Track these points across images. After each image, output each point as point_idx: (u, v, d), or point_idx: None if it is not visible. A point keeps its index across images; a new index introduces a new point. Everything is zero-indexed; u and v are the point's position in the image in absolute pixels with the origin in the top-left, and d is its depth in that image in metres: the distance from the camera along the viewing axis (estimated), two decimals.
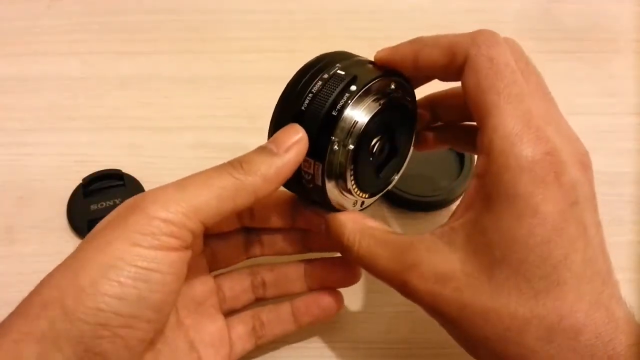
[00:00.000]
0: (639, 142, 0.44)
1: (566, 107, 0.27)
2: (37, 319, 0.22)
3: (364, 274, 0.32)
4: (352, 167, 0.27)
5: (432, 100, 0.32)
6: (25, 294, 0.23)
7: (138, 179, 0.41)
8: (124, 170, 0.41)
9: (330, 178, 0.27)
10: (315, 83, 0.27)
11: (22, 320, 0.22)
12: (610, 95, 0.47)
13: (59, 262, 0.24)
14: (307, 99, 0.27)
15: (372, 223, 0.29)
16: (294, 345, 0.34)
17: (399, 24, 0.52)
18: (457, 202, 0.29)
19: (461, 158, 0.41)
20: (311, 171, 0.27)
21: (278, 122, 0.27)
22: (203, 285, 0.31)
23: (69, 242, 0.38)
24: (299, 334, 0.33)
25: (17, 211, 0.40)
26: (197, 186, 0.25)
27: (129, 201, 0.25)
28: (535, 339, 0.22)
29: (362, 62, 0.29)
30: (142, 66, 0.49)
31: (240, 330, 0.31)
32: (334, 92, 0.26)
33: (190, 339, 0.29)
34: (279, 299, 0.32)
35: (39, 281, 0.24)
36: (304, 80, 0.27)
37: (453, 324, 0.25)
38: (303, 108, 0.27)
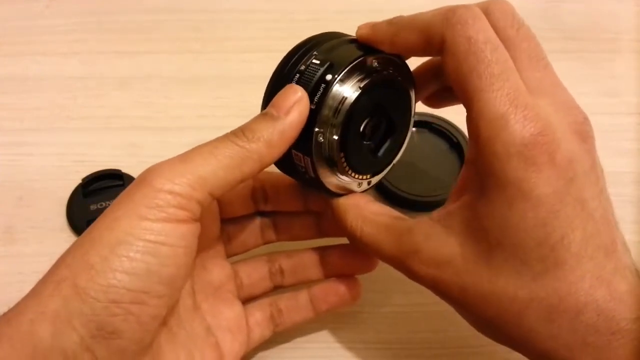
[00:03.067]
0: (639, 142, 0.44)
1: None
2: (50, 298, 0.22)
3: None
4: (341, 154, 0.27)
5: (432, 66, 0.31)
6: (25, 294, 0.23)
7: None
8: (123, 170, 0.41)
9: (323, 168, 0.27)
10: (294, 75, 0.27)
11: (36, 299, 0.22)
12: (611, 95, 0.47)
13: None
14: None
15: (374, 207, 0.29)
16: (293, 344, 0.34)
17: None
18: None
19: (461, 157, 0.41)
20: (303, 164, 0.27)
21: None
22: (220, 270, 0.31)
23: (69, 242, 0.38)
24: (297, 333, 0.33)
25: (17, 211, 0.40)
26: (202, 157, 0.25)
27: (136, 178, 0.25)
28: (536, 320, 0.22)
29: (343, 43, 0.28)
30: (142, 66, 0.49)
31: (258, 317, 0.31)
32: (310, 84, 0.26)
33: (207, 324, 0.29)
34: (297, 286, 0.32)
35: (38, 281, 0.23)
36: (284, 72, 0.27)
37: (458, 305, 0.25)
38: None
